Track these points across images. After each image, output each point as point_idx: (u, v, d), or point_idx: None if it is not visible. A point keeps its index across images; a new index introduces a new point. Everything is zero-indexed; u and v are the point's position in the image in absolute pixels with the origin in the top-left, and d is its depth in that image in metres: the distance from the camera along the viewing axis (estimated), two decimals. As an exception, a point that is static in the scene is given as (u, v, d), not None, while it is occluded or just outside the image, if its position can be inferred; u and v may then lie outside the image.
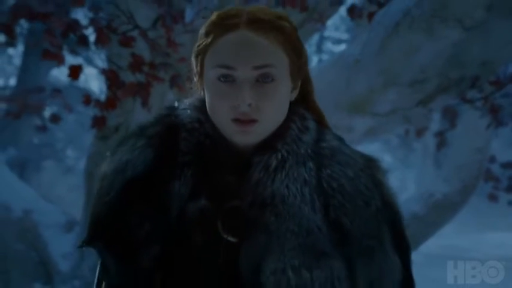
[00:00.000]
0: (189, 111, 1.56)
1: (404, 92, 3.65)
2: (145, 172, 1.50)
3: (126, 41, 3.95)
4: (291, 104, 1.55)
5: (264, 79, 1.47)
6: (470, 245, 11.95)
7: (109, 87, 4.02)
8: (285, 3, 3.66)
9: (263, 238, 1.43)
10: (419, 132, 7.24)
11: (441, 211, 6.22)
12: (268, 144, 1.50)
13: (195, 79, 1.57)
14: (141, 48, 4.12)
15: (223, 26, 1.49)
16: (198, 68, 1.55)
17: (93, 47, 4.09)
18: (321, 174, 1.49)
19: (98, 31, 3.90)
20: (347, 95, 3.89)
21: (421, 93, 4.07)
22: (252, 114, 1.46)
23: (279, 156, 1.49)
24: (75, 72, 3.89)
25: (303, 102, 1.60)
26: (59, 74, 11.60)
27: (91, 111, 4.60)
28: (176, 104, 1.60)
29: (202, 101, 1.55)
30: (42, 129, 5.67)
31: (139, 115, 4.54)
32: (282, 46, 1.50)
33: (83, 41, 3.94)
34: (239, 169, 1.49)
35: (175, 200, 1.48)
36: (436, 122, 7.32)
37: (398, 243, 1.51)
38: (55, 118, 5.53)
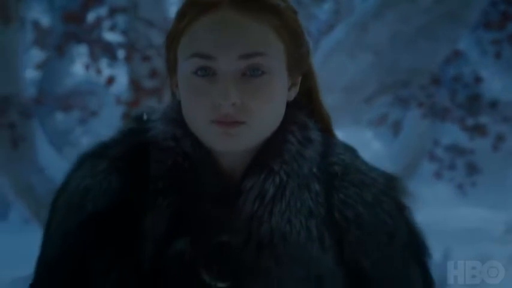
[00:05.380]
0: (160, 125, 1.22)
1: (339, 96, 5.18)
2: (110, 205, 1.18)
3: (146, 58, 5.12)
4: (289, 109, 1.20)
5: (252, 72, 1.13)
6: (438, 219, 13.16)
7: (134, 91, 5.30)
8: None
9: (262, 287, 1.14)
10: (380, 122, 8.78)
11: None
12: (262, 164, 1.18)
13: (168, 77, 1.24)
14: (157, 62, 5.14)
15: (200, 5, 1.16)
16: (171, 61, 1.21)
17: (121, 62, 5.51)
18: (331, 199, 1.18)
19: (127, 51, 5.25)
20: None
21: (361, 95, 5.62)
22: (237, 115, 1.12)
23: (277, 180, 1.16)
24: (110, 80, 5.36)
25: (305, 103, 1.25)
26: (77, 70, 12.99)
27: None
28: (145, 116, 1.25)
29: (178, 111, 1.20)
30: (83, 121, 6.86)
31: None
32: (276, 30, 1.15)
33: (114, 57, 5.43)
34: (227, 197, 1.17)
35: (149, 240, 1.16)
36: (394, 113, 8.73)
37: (428, 285, 1.23)
38: (93, 113, 6.82)
